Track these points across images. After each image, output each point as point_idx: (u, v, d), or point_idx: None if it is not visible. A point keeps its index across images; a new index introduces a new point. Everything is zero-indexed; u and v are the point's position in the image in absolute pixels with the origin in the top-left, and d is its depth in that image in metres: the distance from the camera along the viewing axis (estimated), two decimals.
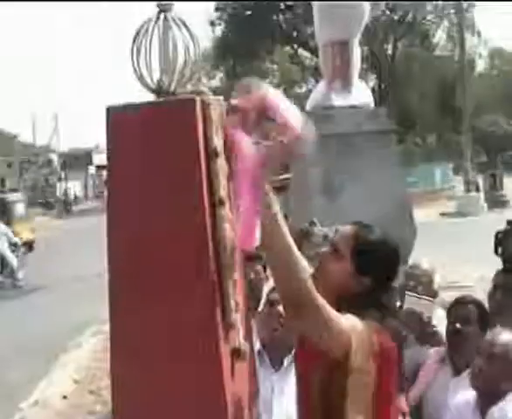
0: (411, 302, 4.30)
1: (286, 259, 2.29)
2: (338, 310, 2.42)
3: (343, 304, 2.50)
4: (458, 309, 4.00)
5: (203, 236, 2.37)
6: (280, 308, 3.41)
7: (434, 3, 43.73)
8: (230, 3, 43.63)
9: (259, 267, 4.51)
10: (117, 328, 2.50)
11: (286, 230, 2.30)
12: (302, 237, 4.55)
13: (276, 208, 2.28)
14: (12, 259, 17.97)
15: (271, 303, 3.53)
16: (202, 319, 2.37)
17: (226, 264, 2.43)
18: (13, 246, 18.33)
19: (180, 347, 2.39)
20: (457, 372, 3.94)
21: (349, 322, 2.41)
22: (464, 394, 3.60)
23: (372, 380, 2.43)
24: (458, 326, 3.93)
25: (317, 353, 2.44)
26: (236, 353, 2.48)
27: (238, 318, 2.48)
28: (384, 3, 41.58)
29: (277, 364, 3.57)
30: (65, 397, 8.69)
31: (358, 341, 2.40)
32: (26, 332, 12.39)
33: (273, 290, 3.49)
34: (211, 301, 2.36)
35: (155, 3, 2.55)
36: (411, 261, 5.54)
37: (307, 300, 2.29)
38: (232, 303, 2.43)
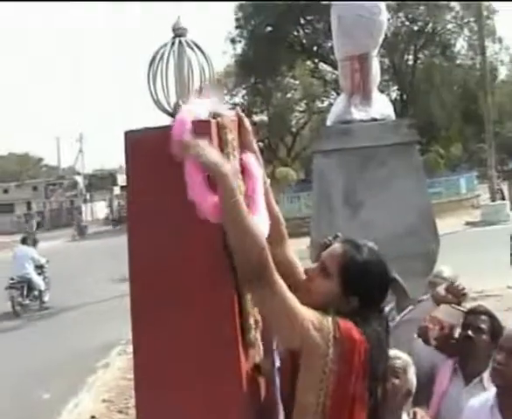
0: (441, 309, 4.27)
1: (243, 229, 2.29)
2: None
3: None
4: (471, 318, 4.00)
5: (221, 255, 2.40)
6: None
7: (454, 12, 43.61)
8: (250, 20, 43.81)
9: None
10: (139, 345, 2.55)
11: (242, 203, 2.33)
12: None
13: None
14: (39, 282, 18.05)
15: None
16: (222, 336, 2.40)
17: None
18: (39, 268, 18.40)
19: (201, 366, 2.42)
20: (468, 381, 3.94)
21: (310, 310, 2.37)
22: (479, 397, 3.60)
23: (328, 363, 2.33)
24: (470, 333, 3.93)
25: (288, 363, 2.43)
26: (256, 371, 2.50)
27: (258, 335, 2.50)
28: (402, 14, 41.56)
29: None
30: (93, 417, 8.74)
31: (318, 324, 2.33)
32: (53, 354, 12.49)
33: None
34: (231, 319, 2.39)
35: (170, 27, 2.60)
36: (434, 271, 5.52)
37: (264, 276, 2.29)
38: (252, 321, 2.45)
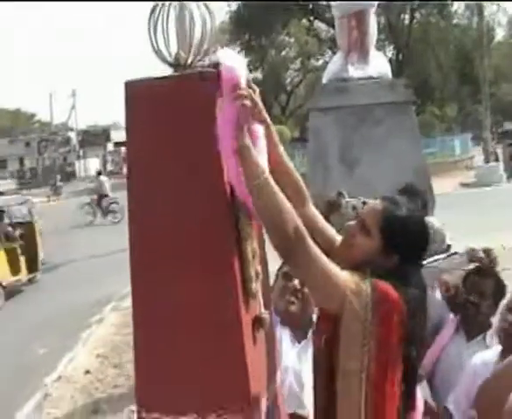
0: (443, 270, 4.29)
1: (277, 207, 2.32)
2: None
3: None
4: (475, 280, 3.96)
5: (222, 208, 2.40)
6: (296, 282, 3.41)
7: None
8: None
9: None
10: (139, 300, 2.55)
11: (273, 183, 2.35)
12: (330, 208, 4.57)
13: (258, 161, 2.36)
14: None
15: (285, 277, 3.43)
16: (223, 287, 2.41)
17: (245, 235, 2.46)
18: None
19: (202, 317, 2.43)
20: (470, 339, 3.97)
21: (348, 273, 2.39)
22: (482, 354, 3.62)
23: (368, 327, 2.36)
24: (472, 299, 3.92)
25: (324, 317, 2.46)
26: (257, 322, 2.51)
27: (258, 287, 2.51)
28: None
29: (300, 337, 3.53)
30: (88, 372, 8.79)
31: (355, 288, 2.35)
32: (49, 310, 12.55)
33: (284, 263, 3.33)
34: (232, 269, 2.40)
35: None
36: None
37: (299, 248, 2.31)
38: (253, 272, 2.46)
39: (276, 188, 2.35)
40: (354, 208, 4.53)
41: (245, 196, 2.38)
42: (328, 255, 2.40)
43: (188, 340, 2.46)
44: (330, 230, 2.75)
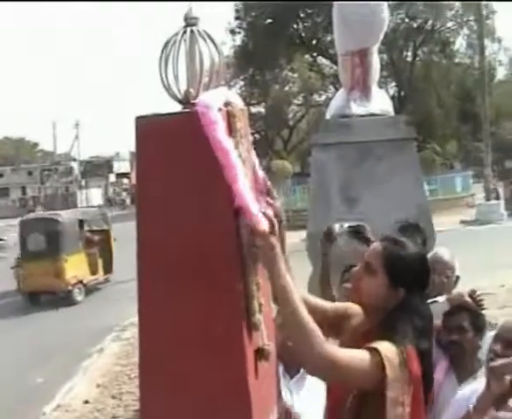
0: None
1: (300, 329, 2.45)
2: (379, 322, 2.63)
3: (381, 316, 2.65)
4: (451, 320, 3.98)
5: (228, 239, 2.46)
6: None
7: (454, 10, 43.65)
8: (250, 11, 43.81)
9: None
10: (145, 324, 2.60)
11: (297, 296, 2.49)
12: (327, 238, 4.61)
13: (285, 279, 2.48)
14: None
15: None
16: (227, 318, 2.46)
17: (250, 267, 2.52)
18: None
19: (205, 347, 2.48)
20: (462, 380, 3.94)
21: (382, 351, 2.49)
22: (470, 385, 3.61)
23: (406, 410, 2.51)
24: (454, 337, 3.94)
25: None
26: (260, 354, 2.56)
27: (261, 319, 2.56)
28: (402, 10, 41.57)
29: (293, 372, 3.54)
30: (87, 402, 8.80)
31: (393, 371, 2.48)
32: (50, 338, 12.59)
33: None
34: (235, 302, 2.45)
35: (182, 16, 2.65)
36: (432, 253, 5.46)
37: (323, 365, 2.45)
38: (256, 304, 2.51)
39: (302, 317, 2.47)
40: (349, 232, 4.59)
41: (254, 222, 2.46)
42: (322, 325, 2.54)
43: (191, 373, 2.50)
44: (320, 304, 2.97)
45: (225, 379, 2.46)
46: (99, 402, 8.76)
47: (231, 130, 2.52)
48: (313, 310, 2.66)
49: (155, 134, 2.56)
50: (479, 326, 3.96)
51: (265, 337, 2.58)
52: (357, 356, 2.51)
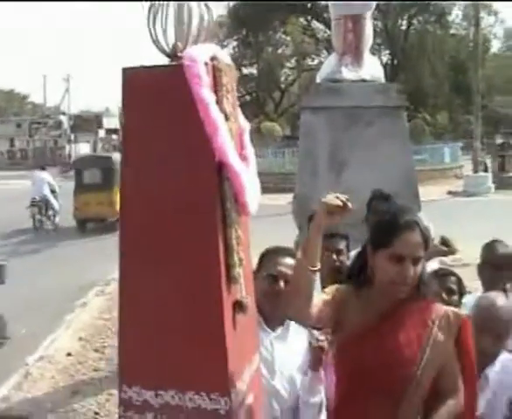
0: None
1: None
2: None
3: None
4: (441, 281, 4.09)
5: (210, 193, 2.50)
6: (281, 284, 3.43)
7: None
8: None
9: (343, 246, 4.58)
10: (126, 280, 2.64)
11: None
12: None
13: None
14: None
15: (273, 278, 3.35)
16: (206, 271, 2.50)
17: (231, 221, 2.55)
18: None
19: (184, 298, 2.53)
20: None
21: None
22: None
23: None
24: (444, 296, 4.03)
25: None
26: (238, 306, 2.61)
27: (241, 273, 2.60)
28: None
29: (274, 327, 3.54)
30: (69, 354, 8.84)
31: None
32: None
33: (260, 264, 3.45)
34: (215, 255, 2.49)
35: None
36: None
37: None
38: (236, 258, 2.55)
39: None
40: None
41: (235, 176, 2.48)
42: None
43: (170, 320, 2.55)
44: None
45: (203, 329, 2.51)
46: (81, 355, 8.81)
47: (217, 84, 2.54)
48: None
49: (142, 86, 2.58)
50: (462, 290, 4.07)
51: (243, 290, 2.62)
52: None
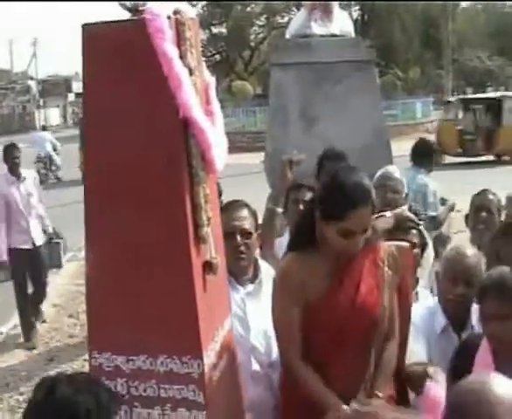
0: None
1: None
2: None
3: None
4: (402, 235, 4.04)
5: (176, 151, 2.43)
6: (238, 238, 3.36)
7: None
8: None
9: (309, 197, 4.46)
10: (92, 241, 2.59)
11: None
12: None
13: None
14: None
15: (228, 235, 3.25)
16: (173, 232, 2.44)
17: (199, 179, 2.49)
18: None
19: (152, 259, 2.48)
20: None
21: None
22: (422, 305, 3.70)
23: None
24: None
25: None
26: (207, 266, 2.56)
27: (209, 232, 2.55)
28: None
29: (245, 284, 3.51)
30: (44, 321, 8.79)
31: None
32: None
33: (227, 221, 3.33)
34: (183, 214, 2.43)
35: None
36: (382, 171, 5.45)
37: None
38: (204, 217, 2.50)
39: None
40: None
41: (200, 133, 2.42)
42: None
43: (139, 282, 2.51)
44: None
45: (173, 291, 2.47)
46: (56, 322, 8.77)
47: (180, 39, 2.46)
48: None
49: (103, 42, 2.49)
50: (423, 242, 4.04)
51: (213, 250, 2.58)
52: None
